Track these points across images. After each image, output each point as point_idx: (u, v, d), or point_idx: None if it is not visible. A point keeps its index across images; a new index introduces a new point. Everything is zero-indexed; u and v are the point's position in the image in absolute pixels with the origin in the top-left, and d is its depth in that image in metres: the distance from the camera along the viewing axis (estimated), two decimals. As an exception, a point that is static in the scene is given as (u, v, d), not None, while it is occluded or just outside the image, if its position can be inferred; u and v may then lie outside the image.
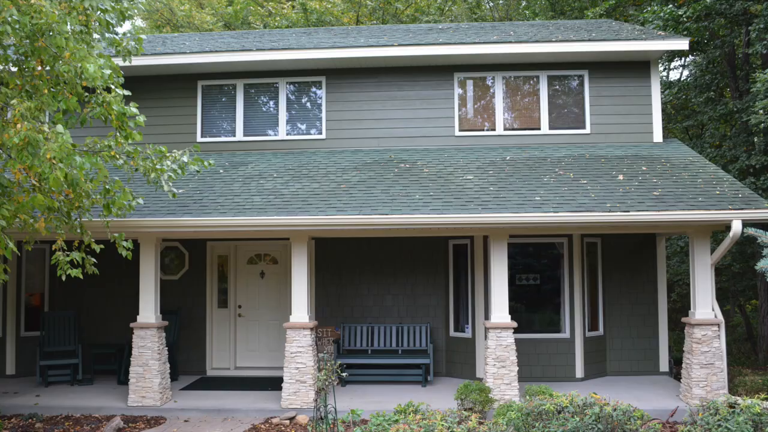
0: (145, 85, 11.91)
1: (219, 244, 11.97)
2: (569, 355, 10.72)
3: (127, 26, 29.10)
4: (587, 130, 11.67)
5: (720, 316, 9.16)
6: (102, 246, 7.74)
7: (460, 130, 11.84)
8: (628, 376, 11.04)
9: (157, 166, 7.80)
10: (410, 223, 8.91)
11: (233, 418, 9.06)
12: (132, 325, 9.55)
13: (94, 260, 7.71)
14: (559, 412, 6.07)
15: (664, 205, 8.81)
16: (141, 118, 7.36)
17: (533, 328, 10.83)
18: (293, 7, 22.98)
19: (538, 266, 11.03)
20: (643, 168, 10.23)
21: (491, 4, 26.10)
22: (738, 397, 6.41)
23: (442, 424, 5.72)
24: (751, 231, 6.88)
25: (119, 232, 8.01)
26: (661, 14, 14.46)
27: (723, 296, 17.83)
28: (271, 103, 12.17)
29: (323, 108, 12.01)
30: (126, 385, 10.41)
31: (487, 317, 10.26)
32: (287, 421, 8.77)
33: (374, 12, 23.09)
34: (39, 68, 6.91)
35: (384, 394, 9.96)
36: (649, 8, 15.52)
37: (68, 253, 7.38)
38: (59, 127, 6.42)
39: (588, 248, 11.11)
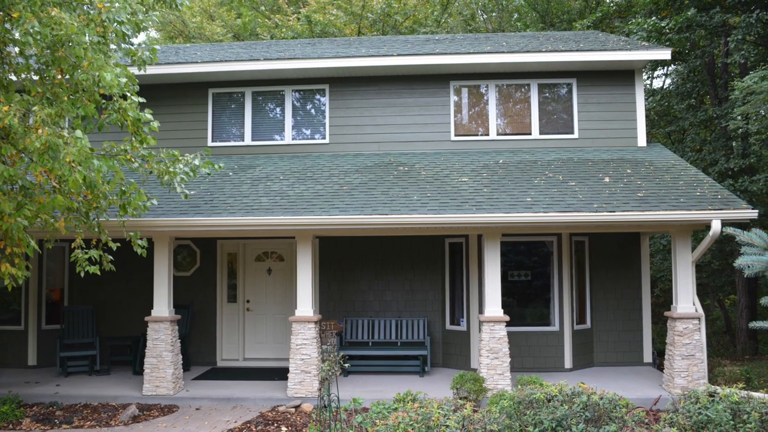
0: (159, 93, 11.92)
1: (228, 243, 11.97)
2: (558, 347, 10.72)
3: (142, 37, 29.10)
4: (575, 135, 11.68)
5: (700, 311, 9.16)
6: (118, 244, 7.77)
7: (455, 135, 11.84)
8: (613, 367, 11.04)
9: (170, 169, 7.81)
10: (409, 223, 8.92)
11: (242, 407, 9.06)
12: (146, 318, 9.55)
13: (111, 258, 7.72)
14: (549, 401, 6.06)
15: (648, 206, 8.81)
16: (155, 124, 7.37)
17: (524, 322, 10.84)
18: (298, 19, 22.98)
19: (529, 263, 11.03)
20: (628, 171, 10.22)
21: (485, 16, 26.09)
22: (717, 387, 6.40)
23: (439, 412, 5.72)
24: (730, 230, 6.86)
25: (135, 231, 8.03)
26: (645, 26, 14.48)
27: (703, 291, 17.85)
28: (278, 109, 12.17)
29: (327, 114, 12.01)
30: (141, 375, 10.42)
31: (481, 311, 10.26)
32: (293, 409, 8.77)
33: (375, 24, 23.09)
34: (59, 77, 6.92)
35: (384, 383, 9.96)
36: (633, 20, 15.53)
37: (86, 251, 7.39)
38: (78, 133, 6.43)
39: (576, 246, 11.11)
